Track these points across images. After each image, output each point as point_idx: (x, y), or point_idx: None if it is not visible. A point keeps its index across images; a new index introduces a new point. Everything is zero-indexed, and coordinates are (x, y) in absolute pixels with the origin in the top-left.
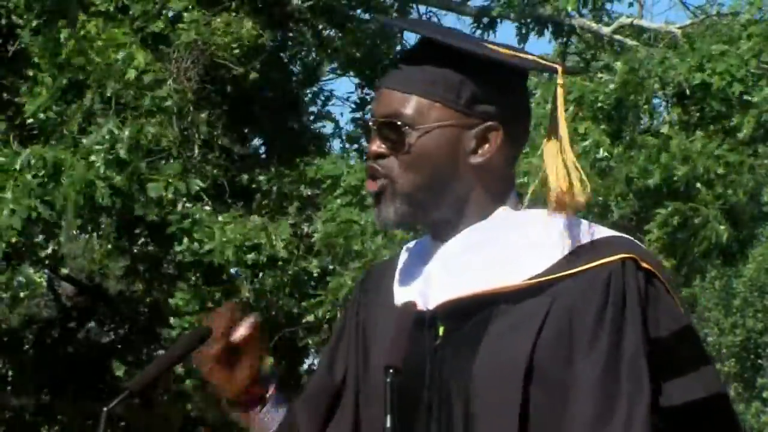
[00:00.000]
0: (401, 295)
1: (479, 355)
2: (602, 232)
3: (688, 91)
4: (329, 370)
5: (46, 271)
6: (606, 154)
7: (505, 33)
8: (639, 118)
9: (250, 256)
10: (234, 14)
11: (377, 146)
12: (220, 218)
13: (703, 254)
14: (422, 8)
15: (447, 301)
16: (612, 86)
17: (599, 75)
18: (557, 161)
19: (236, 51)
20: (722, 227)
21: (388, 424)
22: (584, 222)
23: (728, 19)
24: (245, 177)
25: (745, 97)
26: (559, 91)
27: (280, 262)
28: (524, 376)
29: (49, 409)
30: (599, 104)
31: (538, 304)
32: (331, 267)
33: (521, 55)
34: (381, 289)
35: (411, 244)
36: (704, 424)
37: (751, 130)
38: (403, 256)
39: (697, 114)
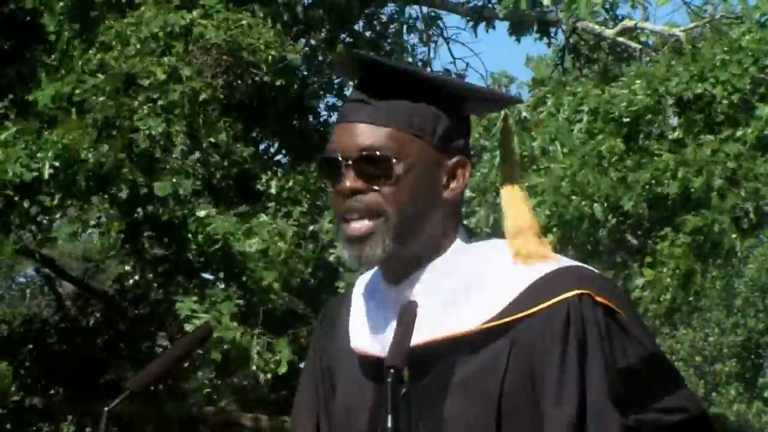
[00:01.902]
0: (359, 340)
1: (448, 403)
2: (554, 263)
3: (690, 97)
4: (308, 418)
5: (46, 270)
6: (618, 160)
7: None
8: (651, 126)
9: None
10: (258, 18)
11: (353, 182)
12: (234, 218)
13: (719, 257)
14: (425, 8)
15: (410, 347)
16: (625, 103)
17: (617, 87)
18: (518, 209)
19: (262, 57)
20: (734, 236)
21: (389, 424)
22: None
23: (732, 23)
24: (255, 179)
25: (750, 104)
26: (509, 125)
27: (282, 256)
28: (495, 426)
29: (49, 408)
30: (613, 115)
31: (497, 349)
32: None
33: (482, 87)
34: (337, 331)
35: (361, 282)
36: None
37: (755, 138)
38: (358, 295)
39: (702, 121)
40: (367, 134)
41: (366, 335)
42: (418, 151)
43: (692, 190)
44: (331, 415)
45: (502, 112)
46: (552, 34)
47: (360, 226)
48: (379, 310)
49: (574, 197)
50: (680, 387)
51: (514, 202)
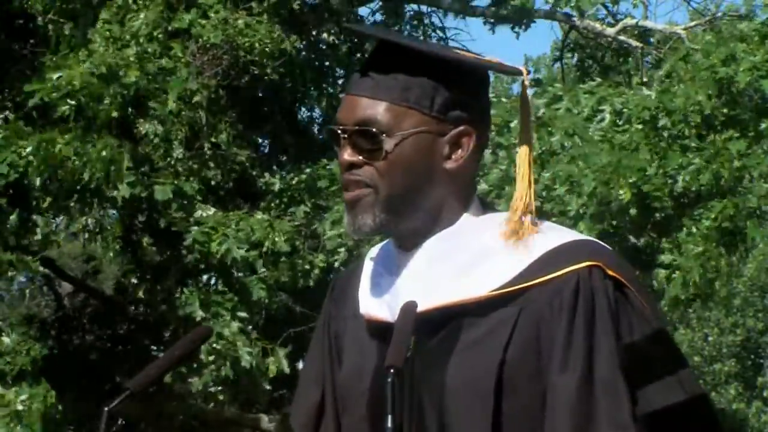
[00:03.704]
0: (368, 305)
1: (450, 367)
2: (567, 236)
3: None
4: (314, 386)
5: (46, 270)
6: (649, 159)
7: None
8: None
9: (254, 253)
10: (255, 17)
11: (349, 155)
12: (229, 217)
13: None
14: (423, 7)
15: (416, 313)
16: (652, 98)
17: (641, 87)
18: (525, 177)
19: (258, 52)
20: (755, 230)
21: (389, 424)
22: (550, 225)
23: (738, 22)
24: (256, 178)
25: None
26: (526, 91)
27: (282, 258)
28: (495, 389)
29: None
30: (638, 116)
31: (505, 315)
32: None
33: (488, 59)
34: (347, 299)
35: (374, 251)
36: (686, 426)
37: None
38: (369, 264)
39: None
40: (363, 107)
41: (375, 300)
42: (413, 124)
43: (723, 180)
44: (337, 381)
45: (521, 80)
46: (523, 23)
47: (352, 195)
48: (390, 276)
49: (617, 178)
50: (681, 367)
51: (525, 167)
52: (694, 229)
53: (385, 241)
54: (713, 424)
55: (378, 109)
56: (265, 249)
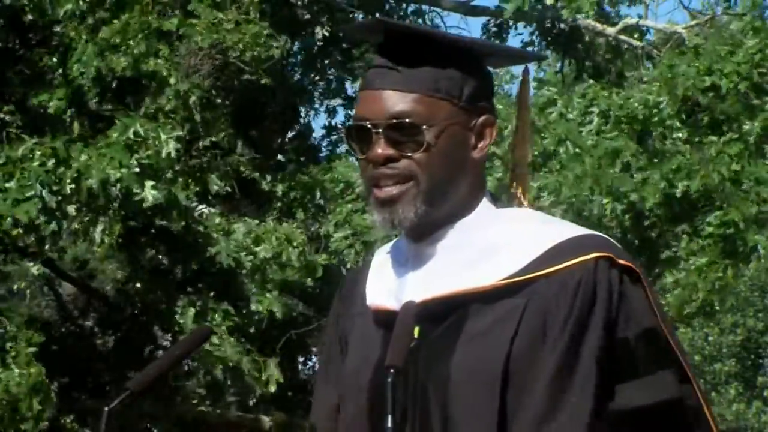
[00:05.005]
0: (376, 297)
1: (455, 357)
2: (577, 230)
3: (697, 95)
4: (330, 388)
5: (46, 269)
6: (633, 161)
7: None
8: (660, 127)
9: (260, 251)
10: (244, 15)
11: (384, 149)
12: (235, 225)
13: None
14: (425, 7)
15: (421, 301)
16: (640, 104)
17: (635, 90)
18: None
19: (248, 53)
20: (756, 236)
21: (389, 424)
22: (560, 220)
23: (735, 21)
24: (257, 180)
25: (754, 101)
26: (525, 84)
27: (287, 268)
28: (501, 380)
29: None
30: (625, 118)
31: (512, 306)
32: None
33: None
34: (355, 296)
35: (386, 247)
36: (653, 429)
37: (759, 133)
38: (378, 260)
39: (707, 121)
40: (395, 101)
41: (382, 290)
42: (446, 115)
43: (720, 183)
44: (341, 379)
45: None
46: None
47: (392, 190)
48: (399, 267)
49: (596, 196)
50: (663, 368)
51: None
52: (693, 245)
53: (396, 239)
54: (686, 429)
55: (410, 102)
56: (270, 255)
